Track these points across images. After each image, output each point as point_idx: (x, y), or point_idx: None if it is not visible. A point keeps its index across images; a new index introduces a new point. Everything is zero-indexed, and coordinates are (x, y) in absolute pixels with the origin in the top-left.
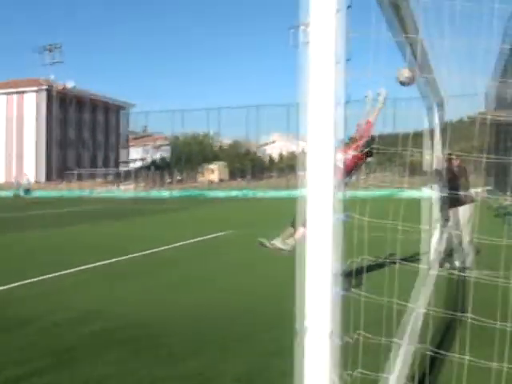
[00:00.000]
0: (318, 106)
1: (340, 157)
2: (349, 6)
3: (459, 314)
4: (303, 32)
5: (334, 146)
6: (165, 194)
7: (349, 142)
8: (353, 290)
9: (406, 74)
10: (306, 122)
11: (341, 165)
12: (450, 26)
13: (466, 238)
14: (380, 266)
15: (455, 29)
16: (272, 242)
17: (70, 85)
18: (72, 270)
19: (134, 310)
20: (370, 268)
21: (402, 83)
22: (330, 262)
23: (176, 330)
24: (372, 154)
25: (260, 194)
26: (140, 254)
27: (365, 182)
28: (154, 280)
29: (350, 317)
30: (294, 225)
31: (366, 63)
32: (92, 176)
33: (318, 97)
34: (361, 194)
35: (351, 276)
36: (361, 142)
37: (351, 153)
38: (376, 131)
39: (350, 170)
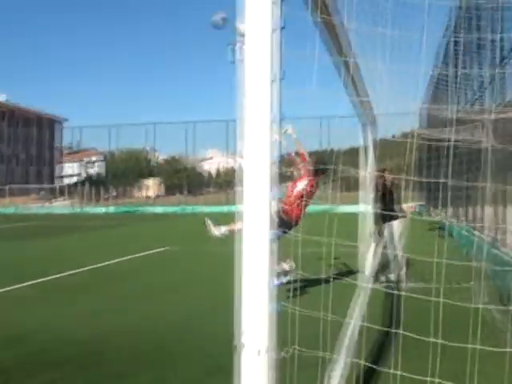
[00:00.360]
0: (253, 123)
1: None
2: (283, 27)
3: (393, 330)
4: (239, 49)
5: (270, 162)
6: (100, 210)
7: (295, 176)
8: (288, 305)
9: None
10: (243, 139)
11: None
12: (383, 51)
13: (399, 252)
14: (316, 280)
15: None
16: (209, 222)
17: (1, 98)
18: (9, 287)
19: (73, 328)
20: (306, 283)
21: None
22: (266, 278)
23: (117, 347)
24: (325, 170)
25: (198, 209)
26: (83, 269)
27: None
28: (94, 296)
29: (286, 332)
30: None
31: (303, 82)
32: (25, 192)
33: (254, 114)
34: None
35: (288, 291)
36: (306, 170)
37: (305, 181)
38: (311, 148)
39: (313, 192)
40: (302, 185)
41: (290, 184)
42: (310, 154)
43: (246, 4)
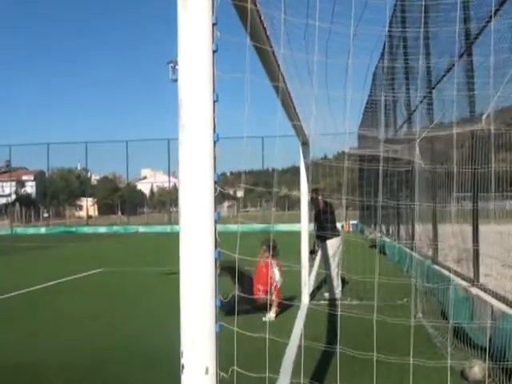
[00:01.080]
0: (191, 144)
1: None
2: (215, 51)
3: (329, 347)
4: (173, 69)
5: (209, 182)
6: (31, 231)
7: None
8: (227, 325)
9: (477, 372)
10: (181, 159)
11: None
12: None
13: (333, 271)
14: (253, 299)
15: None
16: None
17: None
18: None
19: (1, 356)
20: (244, 302)
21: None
22: (205, 299)
23: (48, 376)
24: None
25: (132, 229)
26: (11, 294)
27: (234, 218)
28: (22, 322)
29: (224, 352)
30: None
31: (236, 103)
32: None
33: (191, 134)
34: (233, 228)
35: (226, 312)
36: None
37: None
38: (247, 167)
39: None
40: (277, 276)
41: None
42: (252, 173)
43: (179, 26)
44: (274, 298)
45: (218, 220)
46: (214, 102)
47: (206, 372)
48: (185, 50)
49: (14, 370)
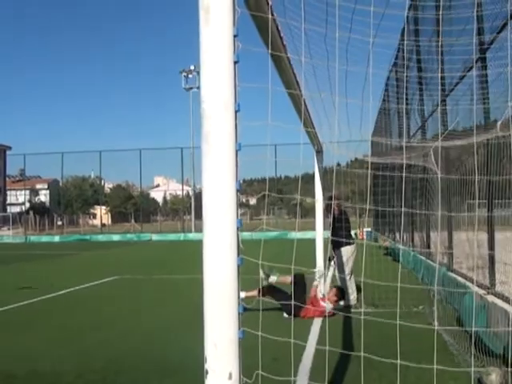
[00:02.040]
0: (213, 153)
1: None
2: (236, 62)
3: (348, 351)
4: (186, 78)
5: (232, 190)
6: (45, 239)
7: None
8: (251, 330)
9: (494, 380)
10: (203, 168)
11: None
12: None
13: (348, 278)
14: (273, 306)
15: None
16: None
17: None
18: None
19: (16, 363)
20: (267, 307)
21: None
22: (228, 305)
23: (65, 382)
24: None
25: (145, 237)
26: (27, 302)
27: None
28: (40, 329)
29: (249, 357)
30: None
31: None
32: None
33: (213, 144)
34: (247, 236)
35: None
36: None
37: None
38: (264, 174)
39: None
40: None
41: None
42: (263, 180)
43: (201, 39)
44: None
45: (241, 227)
46: (236, 111)
47: (230, 377)
48: (207, 61)
49: (28, 378)
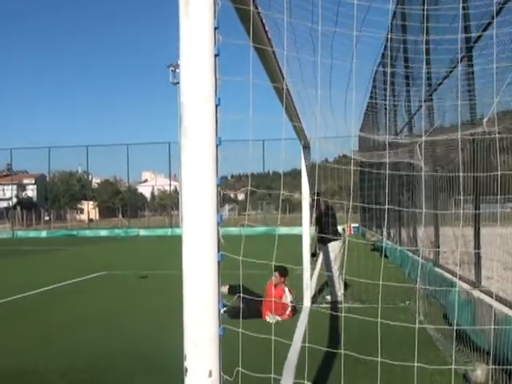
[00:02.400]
0: (193, 147)
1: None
2: (216, 55)
3: (333, 348)
4: (173, 72)
5: (212, 185)
6: (32, 234)
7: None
8: (231, 327)
9: (480, 375)
10: (183, 163)
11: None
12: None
13: (335, 274)
14: (257, 302)
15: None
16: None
17: None
18: None
19: (2, 361)
20: (247, 304)
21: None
22: (208, 302)
23: (50, 380)
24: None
25: (133, 232)
26: (11, 298)
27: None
28: (23, 327)
29: (228, 355)
30: None
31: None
32: None
33: (193, 139)
34: (235, 231)
35: (229, 314)
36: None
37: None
38: (251, 170)
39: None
40: (288, 298)
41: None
42: (252, 176)
43: (180, 30)
44: (285, 317)
45: (221, 223)
46: (217, 105)
47: (210, 375)
48: (187, 54)
49: (15, 377)
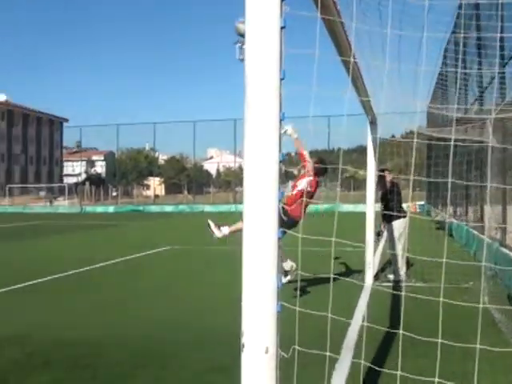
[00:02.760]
0: (256, 122)
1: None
2: (283, 27)
3: (395, 329)
4: (240, 49)
5: (274, 161)
6: (100, 209)
7: (296, 174)
8: (288, 305)
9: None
10: (246, 138)
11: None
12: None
13: (398, 252)
14: (316, 280)
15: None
16: (211, 222)
17: (1, 98)
18: (10, 287)
19: (66, 331)
20: (307, 282)
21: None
22: (267, 278)
23: (112, 349)
24: (325, 171)
25: (198, 208)
26: (80, 270)
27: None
28: (90, 297)
29: (287, 331)
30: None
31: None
32: (24, 191)
33: (257, 113)
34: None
35: (289, 291)
36: (307, 169)
37: (305, 180)
38: (311, 147)
39: (314, 191)
40: (302, 184)
41: (291, 183)
42: (316, 153)
43: (246, 4)
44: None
45: (282, 199)
46: (281, 79)
47: (266, 351)
48: (252, 26)
49: (74, 345)
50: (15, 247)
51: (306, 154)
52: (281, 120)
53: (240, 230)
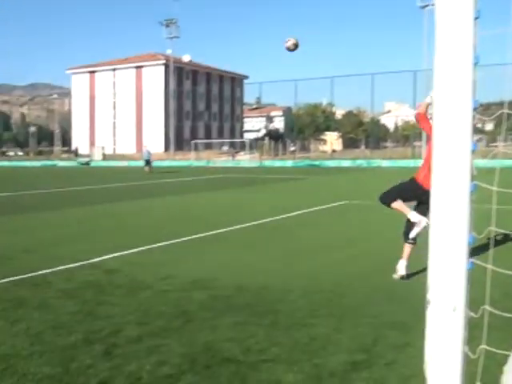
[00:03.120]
0: (447, 67)
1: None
2: (477, 18)
3: None
4: None
5: (467, 109)
6: (278, 164)
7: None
8: (479, 262)
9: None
10: (435, 85)
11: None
12: None
13: None
14: (508, 239)
15: None
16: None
17: (185, 59)
18: (192, 236)
19: (250, 277)
20: (498, 241)
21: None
22: (457, 234)
23: (292, 298)
24: None
25: (375, 163)
26: (262, 221)
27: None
28: (271, 247)
29: (475, 291)
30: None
31: (496, 22)
32: (208, 146)
33: (447, 57)
34: (482, 163)
35: (478, 249)
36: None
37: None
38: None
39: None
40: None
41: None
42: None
43: None
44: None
45: (475, 151)
46: (476, 18)
47: (454, 310)
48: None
49: (257, 291)
50: (197, 198)
51: (425, 117)
52: (475, 64)
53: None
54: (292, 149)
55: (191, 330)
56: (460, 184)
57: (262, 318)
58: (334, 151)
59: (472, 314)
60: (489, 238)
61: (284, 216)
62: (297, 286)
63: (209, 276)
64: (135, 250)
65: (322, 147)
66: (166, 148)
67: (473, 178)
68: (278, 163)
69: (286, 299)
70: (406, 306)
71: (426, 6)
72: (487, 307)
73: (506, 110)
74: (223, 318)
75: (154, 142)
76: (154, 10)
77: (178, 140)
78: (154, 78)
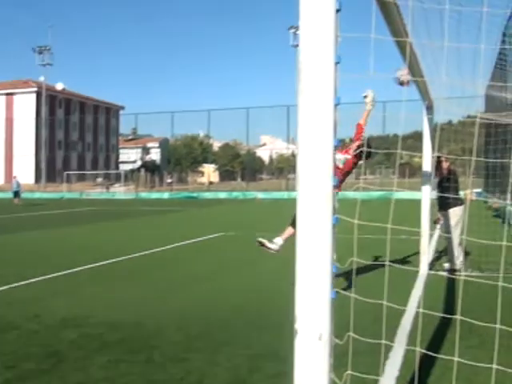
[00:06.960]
0: (310, 108)
1: (340, 157)
2: (338, 10)
3: (448, 316)
4: (294, 35)
5: (329, 147)
6: (155, 195)
7: (340, 145)
8: (343, 291)
9: (405, 73)
10: (299, 124)
11: (340, 165)
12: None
13: (455, 240)
14: (370, 267)
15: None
16: (262, 240)
17: (59, 87)
18: (63, 272)
19: (124, 312)
20: (361, 270)
21: (402, 83)
22: (321, 265)
23: (167, 333)
24: (369, 155)
25: (251, 195)
26: (136, 255)
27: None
28: (145, 281)
29: (340, 319)
30: (293, 224)
31: (358, 66)
32: (81, 178)
33: (310, 98)
34: (351, 195)
35: (342, 278)
36: (353, 145)
37: (343, 156)
38: (366, 133)
39: (347, 171)
40: (339, 158)
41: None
42: (371, 138)
43: None
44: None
45: (337, 186)
46: (336, 63)
47: (320, 338)
48: (306, 8)
49: (132, 327)
50: (74, 231)
51: (363, 130)
52: (335, 105)
53: (292, 235)
54: (169, 180)
55: (62, 371)
56: (323, 218)
57: (137, 355)
58: (211, 183)
59: (337, 341)
60: (352, 269)
61: (159, 249)
62: (172, 320)
63: (80, 313)
64: (3, 287)
65: (200, 179)
66: (37, 179)
67: (335, 211)
68: (154, 195)
69: (160, 334)
70: (279, 335)
71: (297, 45)
72: (352, 334)
73: (365, 148)
74: (96, 357)
75: (25, 172)
76: (26, 35)
77: (49, 171)
78: (26, 105)
